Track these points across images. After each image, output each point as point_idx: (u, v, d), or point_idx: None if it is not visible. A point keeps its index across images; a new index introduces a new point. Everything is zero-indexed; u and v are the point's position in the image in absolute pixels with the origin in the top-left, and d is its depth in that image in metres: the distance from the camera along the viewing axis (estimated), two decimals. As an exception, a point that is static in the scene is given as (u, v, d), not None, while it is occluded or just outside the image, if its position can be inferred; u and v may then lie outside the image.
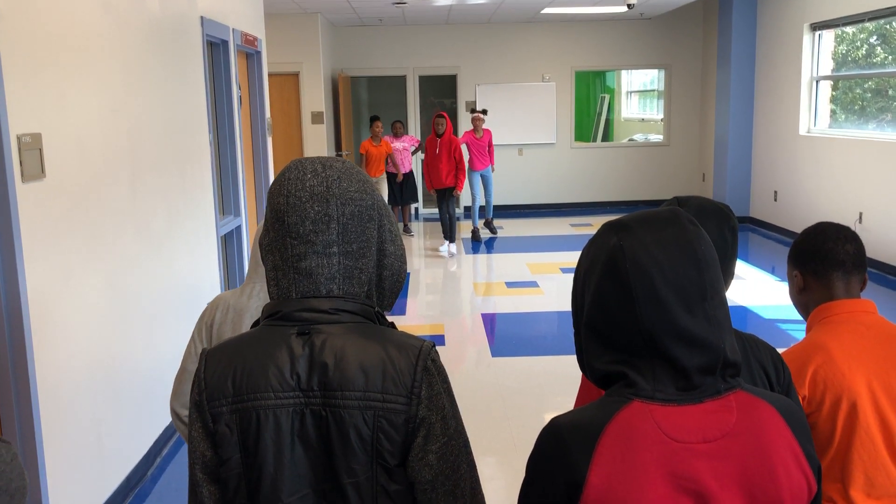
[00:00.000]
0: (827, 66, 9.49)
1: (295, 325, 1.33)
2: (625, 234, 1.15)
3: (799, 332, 6.30)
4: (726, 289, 1.70)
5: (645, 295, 1.10)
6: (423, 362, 1.32)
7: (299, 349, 1.31)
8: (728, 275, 1.68)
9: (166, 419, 4.46)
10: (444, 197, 9.66)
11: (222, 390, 1.32)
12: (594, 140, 14.98)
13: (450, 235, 9.62)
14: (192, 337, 2.33)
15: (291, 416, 1.30)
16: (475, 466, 1.38)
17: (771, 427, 1.12)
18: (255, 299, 2.29)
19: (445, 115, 9.57)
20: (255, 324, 1.41)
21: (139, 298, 4.13)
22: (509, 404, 4.92)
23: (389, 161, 10.62)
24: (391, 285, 1.43)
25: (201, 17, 5.39)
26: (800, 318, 7.49)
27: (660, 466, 1.08)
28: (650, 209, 1.21)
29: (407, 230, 11.07)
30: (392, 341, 1.34)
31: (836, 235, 2.03)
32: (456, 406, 1.37)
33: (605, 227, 1.20)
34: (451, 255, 9.49)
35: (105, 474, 3.64)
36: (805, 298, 2.08)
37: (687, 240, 1.13)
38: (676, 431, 1.09)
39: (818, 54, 9.53)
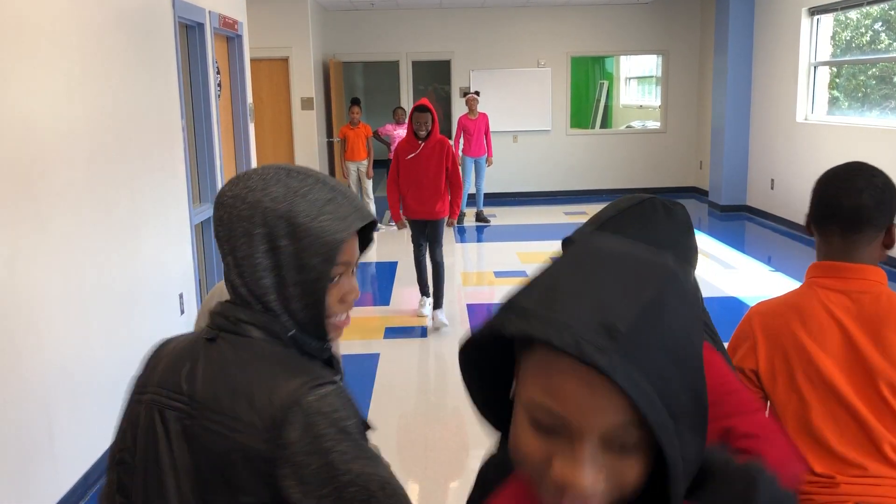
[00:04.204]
0: (825, 52, 9.28)
1: (212, 329, 1.25)
2: None
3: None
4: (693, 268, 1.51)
5: None
6: (305, 397, 1.13)
7: (198, 355, 1.22)
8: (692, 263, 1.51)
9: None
10: (429, 233, 5.98)
11: (141, 380, 1.29)
12: (593, 127, 14.78)
13: (437, 299, 6.13)
14: (196, 324, 2.27)
15: (172, 421, 1.19)
16: None
17: None
18: None
19: (429, 105, 5.83)
20: None
21: (99, 290, 3.97)
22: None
23: (369, 142, 10.27)
24: (304, 317, 1.23)
25: (173, -1, 5.21)
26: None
27: None
28: None
29: None
30: (283, 368, 1.17)
31: (847, 177, 1.60)
32: (359, 449, 1.15)
33: None
34: (443, 325, 6.08)
35: (58, 473, 3.50)
36: (818, 254, 1.70)
37: None
38: None
39: (816, 39, 9.32)
